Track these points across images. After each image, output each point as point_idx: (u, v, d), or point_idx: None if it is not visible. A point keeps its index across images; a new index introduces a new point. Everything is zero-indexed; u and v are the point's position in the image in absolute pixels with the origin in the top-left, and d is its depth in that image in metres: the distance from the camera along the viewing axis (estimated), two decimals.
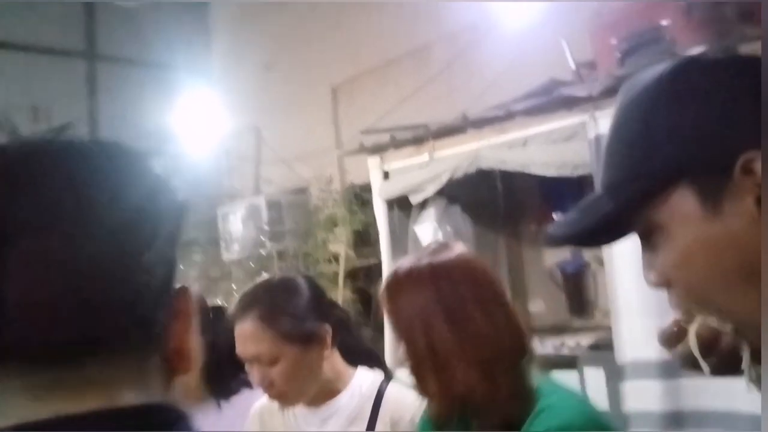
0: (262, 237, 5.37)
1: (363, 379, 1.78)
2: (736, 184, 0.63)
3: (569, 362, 3.96)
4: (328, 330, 1.72)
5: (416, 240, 4.46)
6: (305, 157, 5.83)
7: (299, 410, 1.78)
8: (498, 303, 1.38)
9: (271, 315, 1.65)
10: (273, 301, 1.69)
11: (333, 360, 1.74)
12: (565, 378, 4.00)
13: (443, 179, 4.12)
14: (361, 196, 4.91)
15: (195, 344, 0.64)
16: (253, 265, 5.28)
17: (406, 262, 1.45)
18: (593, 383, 3.73)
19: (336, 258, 4.94)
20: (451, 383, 1.30)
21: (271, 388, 1.67)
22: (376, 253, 4.62)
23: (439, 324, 1.32)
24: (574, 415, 1.28)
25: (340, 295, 4.84)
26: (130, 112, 7.70)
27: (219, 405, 1.95)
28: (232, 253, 5.91)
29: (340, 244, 4.93)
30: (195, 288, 1.86)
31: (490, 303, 1.36)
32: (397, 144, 4.35)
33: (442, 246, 1.46)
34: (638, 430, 3.12)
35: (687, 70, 0.71)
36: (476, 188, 4.49)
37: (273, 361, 1.64)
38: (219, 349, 1.90)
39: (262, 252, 5.34)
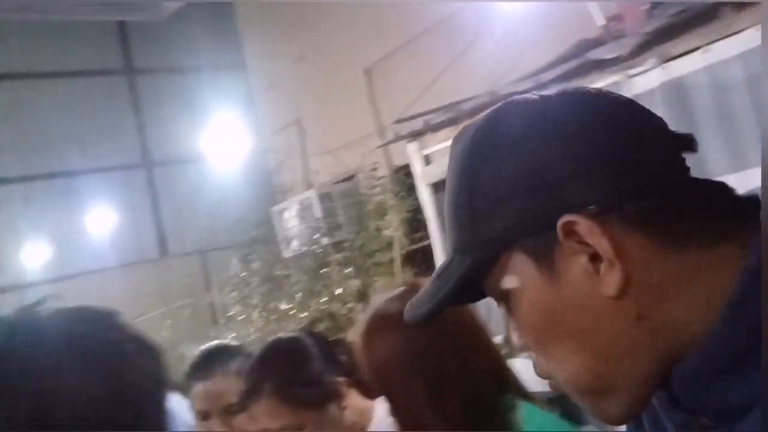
0: (316, 234, 5.39)
1: (383, 410, 1.76)
2: (563, 246, 0.59)
3: None
4: (341, 381, 1.69)
5: None
6: (349, 144, 5.79)
7: None
8: (479, 351, 1.31)
9: (286, 388, 1.63)
10: (284, 372, 1.65)
11: (352, 402, 1.72)
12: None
13: None
14: (407, 181, 4.84)
15: None
16: (310, 263, 5.31)
17: (378, 307, 1.37)
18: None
19: (390, 245, 4.91)
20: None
21: None
22: (429, 235, 4.57)
23: (414, 378, 1.27)
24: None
25: (398, 281, 4.81)
26: (173, 121, 7.84)
27: None
28: (291, 249, 5.96)
29: (392, 231, 4.89)
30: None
31: (471, 353, 1.29)
32: (433, 127, 4.24)
33: (413, 288, 1.38)
34: None
35: (502, 120, 0.64)
36: None
37: (298, 428, 1.63)
38: None
39: (319, 248, 5.36)
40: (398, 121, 4.37)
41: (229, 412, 1.84)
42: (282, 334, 1.85)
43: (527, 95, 0.66)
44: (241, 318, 5.46)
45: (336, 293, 4.92)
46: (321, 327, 4.64)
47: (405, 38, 5.28)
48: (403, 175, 4.91)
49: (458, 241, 0.66)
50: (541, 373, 0.67)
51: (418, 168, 4.42)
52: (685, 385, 0.59)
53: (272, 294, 5.45)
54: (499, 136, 0.63)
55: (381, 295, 1.43)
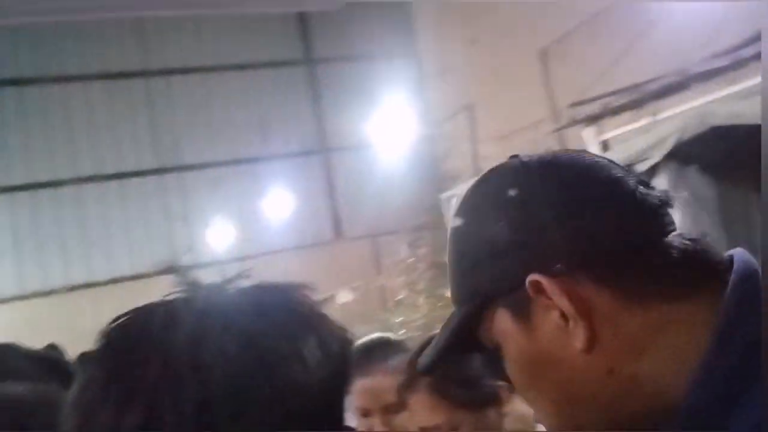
0: None
1: None
2: (536, 302, 0.64)
3: None
4: (503, 386, 1.61)
5: None
6: (521, 129, 5.61)
7: None
8: None
9: (443, 385, 1.58)
10: (443, 369, 1.62)
11: (516, 408, 1.64)
12: None
13: (670, 143, 3.69)
14: None
15: None
16: None
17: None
18: None
19: None
20: None
21: None
22: None
23: None
24: None
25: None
26: (349, 108, 8.05)
27: None
28: None
29: None
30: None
31: None
32: (613, 111, 3.98)
33: None
34: None
35: (484, 185, 0.72)
36: (715, 145, 3.96)
37: (453, 429, 1.58)
38: None
39: None
40: (574, 105, 4.14)
41: (389, 410, 1.82)
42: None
43: (510, 161, 0.72)
44: (408, 303, 5.50)
45: None
46: None
47: (582, 18, 5.00)
48: None
49: (454, 295, 0.73)
50: (535, 416, 0.75)
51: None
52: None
53: (438, 280, 5.43)
54: (480, 201, 0.71)
55: None
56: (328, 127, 8.89)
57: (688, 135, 3.58)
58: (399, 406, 1.83)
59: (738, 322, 0.58)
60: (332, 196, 8.96)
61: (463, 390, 1.57)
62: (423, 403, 1.59)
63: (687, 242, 0.64)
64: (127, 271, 8.15)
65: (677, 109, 3.58)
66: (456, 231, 0.72)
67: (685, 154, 3.92)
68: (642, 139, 3.86)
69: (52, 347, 1.31)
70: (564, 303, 0.62)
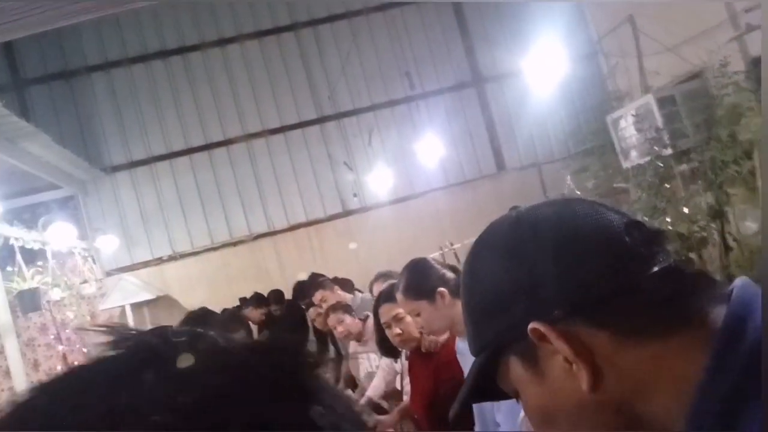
0: (656, 145, 4.91)
1: None
2: (541, 348, 0.66)
3: None
4: None
5: None
6: (693, 38, 5.11)
7: None
8: None
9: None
10: None
11: None
12: None
13: None
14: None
15: None
16: (650, 178, 4.87)
17: None
18: None
19: (748, 154, 4.25)
20: None
21: None
22: None
23: None
24: None
25: (761, 195, 4.17)
26: (499, 36, 7.73)
27: None
28: (630, 160, 5.57)
29: (750, 136, 4.22)
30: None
31: None
32: None
33: None
34: None
35: (485, 240, 0.75)
36: None
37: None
38: None
39: (659, 161, 4.88)
40: (750, 9, 3.68)
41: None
42: None
43: (508, 214, 0.75)
44: None
45: (684, 210, 4.45)
46: (669, 249, 4.26)
47: None
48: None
49: (470, 344, 0.76)
50: None
51: None
52: None
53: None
54: (483, 254, 0.74)
55: None
56: (481, 59, 8.66)
57: None
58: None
59: (734, 344, 0.60)
60: (491, 128, 8.78)
61: None
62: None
63: (678, 276, 0.65)
64: (303, 218, 8.58)
65: None
66: (465, 284, 0.76)
67: None
68: None
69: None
70: (563, 347, 0.65)
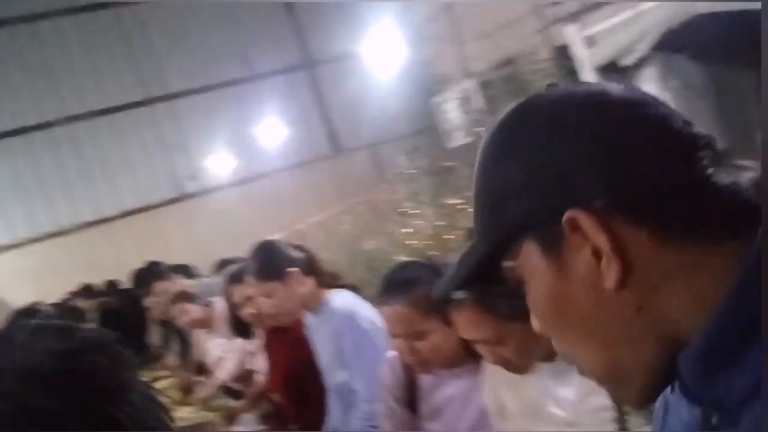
0: (478, 125, 5.33)
1: None
2: (569, 238, 0.62)
3: None
4: None
5: None
6: (505, 25, 5.56)
7: (541, 372, 1.79)
8: None
9: (487, 300, 1.66)
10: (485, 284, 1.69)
11: None
12: None
13: (656, 33, 3.70)
14: (570, 65, 4.60)
15: None
16: (474, 155, 5.27)
17: None
18: None
19: None
20: None
21: (506, 364, 1.71)
22: None
23: None
24: None
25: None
26: (329, 21, 7.90)
27: (479, 368, 2.05)
28: (454, 140, 5.98)
29: None
30: None
31: None
32: (594, 6, 3.96)
33: None
34: None
35: (522, 114, 0.67)
36: (702, 32, 3.97)
37: (500, 342, 1.66)
38: None
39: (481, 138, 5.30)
40: (554, 3, 4.12)
41: (411, 336, 1.97)
42: None
43: (555, 89, 0.68)
44: (413, 213, 5.62)
45: None
46: None
47: None
48: (566, 58, 4.66)
49: (479, 225, 0.70)
50: (561, 355, 0.71)
51: (580, 52, 4.19)
52: (689, 373, 0.62)
53: (440, 189, 5.52)
54: (517, 130, 0.66)
55: None
56: (312, 41, 8.77)
57: (674, 24, 3.59)
58: (421, 334, 1.97)
59: (760, 270, 0.58)
60: (324, 110, 8.94)
61: (508, 302, 1.58)
62: (469, 317, 1.64)
63: (728, 185, 0.62)
64: (135, 204, 8.28)
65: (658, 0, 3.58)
66: (488, 159, 0.68)
67: (672, 43, 3.94)
68: (626, 32, 3.87)
69: None
70: (601, 240, 0.60)
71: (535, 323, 0.71)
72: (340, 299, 2.68)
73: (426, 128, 6.20)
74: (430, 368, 2.00)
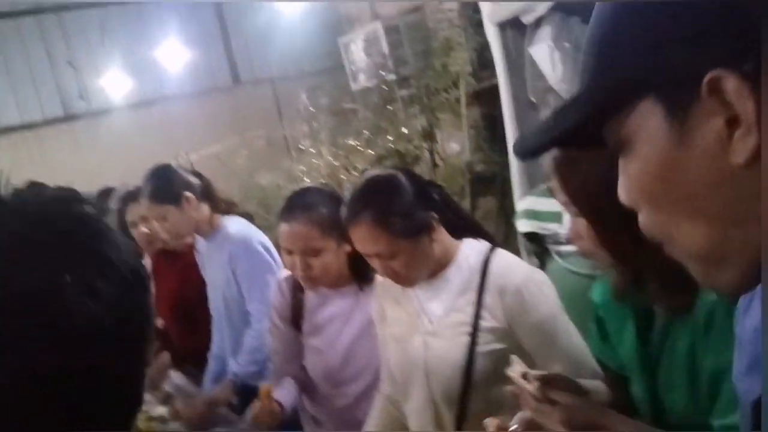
0: (381, 70, 5.38)
1: (469, 251, 1.91)
2: (702, 103, 0.56)
3: None
4: (434, 216, 1.85)
5: (533, 63, 4.30)
6: None
7: (419, 290, 1.94)
8: None
9: (383, 218, 1.78)
10: (381, 204, 1.79)
11: (441, 238, 1.87)
12: None
13: None
14: (476, 17, 4.72)
15: None
16: (376, 100, 5.36)
17: None
18: None
19: (456, 84, 4.90)
20: (638, 251, 1.21)
21: (394, 277, 1.87)
22: (497, 74, 4.53)
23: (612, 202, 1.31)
24: None
25: (465, 122, 4.87)
26: None
27: (361, 288, 2.21)
28: (358, 83, 6.01)
29: (458, 68, 4.86)
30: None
31: None
32: None
33: None
34: None
35: None
36: None
37: (392, 256, 1.81)
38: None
39: (384, 85, 5.38)
40: None
41: (307, 253, 2.11)
42: (380, 171, 1.98)
43: None
44: (311, 152, 5.66)
45: (403, 131, 5.01)
46: (388, 164, 4.79)
47: None
48: (472, 10, 4.78)
49: (592, 79, 0.64)
50: (650, 232, 0.66)
51: (486, 4, 4.31)
52: None
53: (339, 129, 5.58)
54: None
55: None
56: None
57: None
58: (316, 251, 2.12)
59: None
60: (227, 39, 8.69)
61: (402, 220, 1.78)
62: (365, 232, 1.79)
63: None
64: (17, 121, 7.83)
65: None
66: (611, 11, 0.61)
67: (569, 5, 4.12)
68: None
69: None
70: (747, 108, 0.54)
71: (626, 194, 0.66)
72: (235, 224, 2.74)
73: (330, 68, 6.18)
74: (317, 285, 2.16)
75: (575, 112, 0.65)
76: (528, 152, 0.70)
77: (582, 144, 0.69)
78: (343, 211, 1.88)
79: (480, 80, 4.94)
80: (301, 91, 6.35)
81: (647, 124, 0.60)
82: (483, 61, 4.86)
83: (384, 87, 5.35)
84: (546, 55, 4.22)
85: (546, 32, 4.22)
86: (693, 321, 1.30)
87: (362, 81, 5.89)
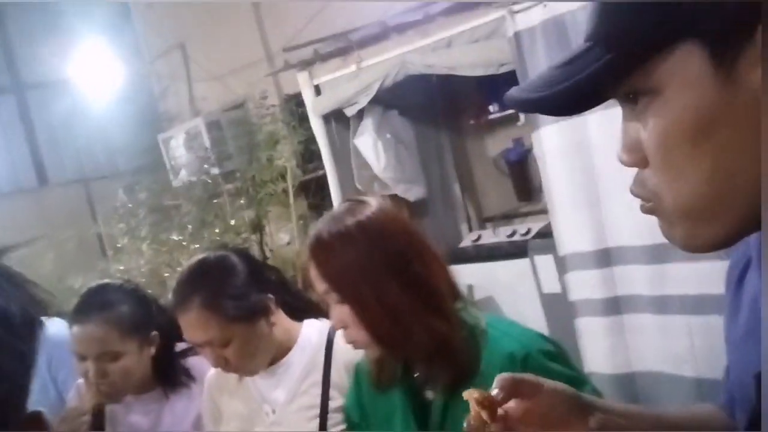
0: (205, 164, 5.29)
1: (311, 331, 1.82)
2: (756, 48, 0.52)
3: (521, 251, 4.09)
4: (270, 298, 1.74)
5: (358, 153, 4.44)
6: (237, 71, 5.66)
7: (257, 376, 1.81)
8: (429, 250, 1.38)
9: (214, 301, 1.65)
10: (212, 286, 1.66)
11: (280, 321, 1.77)
12: (518, 267, 4.15)
13: (374, 89, 4.04)
14: (299, 110, 4.82)
15: None
16: (200, 194, 5.23)
17: (327, 224, 1.37)
18: (544, 271, 3.87)
19: (283, 175, 4.91)
20: (405, 334, 1.30)
21: (228, 366, 1.72)
22: (323, 165, 4.60)
23: (385, 279, 1.30)
24: (531, 338, 1.35)
25: (293, 212, 4.85)
26: (46, 43, 7.32)
27: (166, 394, 2.01)
28: (179, 179, 5.84)
29: (285, 161, 4.88)
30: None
31: (424, 251, 1.36)
32: (323, 57, 4.23)
33: (359, 203, 1.40)
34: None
35: None
36: (411, 92, 4.43)
37: (225, 343, 1.67)
38: (165, 340, 1.97)
39: (208, 178, 5.27)
40: (287, 50, 4.31)
41: (103, 358, 1.89)
42: (210, 253, 1.84)
43: None
44: (130, 250, 5.35)
45: (231, 224, 4.89)
46: None
47: None
48: (294, 104, 4.88)
49: (617, 21, 0.58)
50: (641, 191, 0.63)
51: (309, 97, 4.41)
52: None
53: (161, 225, 5.34)
54: None
55: (328, 213, 1.45)
56: (23, 63, 8.00)
57: (389, 82, 3.97)
58: (115, 355, 1.89)
59: None
60: (32, 137, 8.14)
61: (235, 303, 1.65)
62: (196, 318, 1.64)
63: None
64: None
65: (379, 58, 3.94)
66: None
67: (387, 99, 4.34)
68: (350, 85, 4.18)
69: None
70: None
71: (645, 146, 0.60)
72: (54, 327, 2.46)
73: (149, 164, 5.96)
74: (117, 395, 1.94)
75: (602, 56, 0.58)
76: (532, 101, 0.63)
77: (588, 100, 0.62)
78: (168, 298, 1.74)
79: (306, 171, 5.00)
80: (118, 187, 6.03)
81: (686, 69, 0.56)
82: (309, 153, 4.93)
83: (208, 181, 5.23)
84: (370, 146, 4.37)
85: (368, 123, 4.40)
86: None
87: (184, 176, 5.73)
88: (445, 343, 1.31)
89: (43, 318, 2.37)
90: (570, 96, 0.60)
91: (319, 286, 1.37)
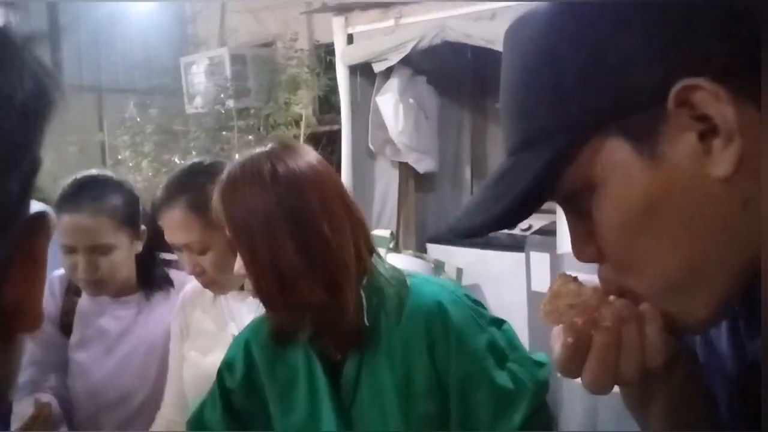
0: (222, 94, 5.16)
1: None
2: (671, 122, 0.52)
3: (518, 245, 3.99)
4: None
5: (377, 112, 4.31)
6: (272, 7, 5.51)
7: (230, 295, 1.73)
8: (346, 216, 1.25)
9: (200, 204, 1.56)
10: (202, 188, 1.55)
11: None
12: (512, 260, 4.04)
13: (407, 47, 3.92)
14: (326, 58, 4.68)
15: (41, 297, 0.48)
16: (211, 123, 5.12)
17: (243, 163, 1.26)
18: (537, 268, 3.77)
19: (297, 122, 4.79)
20: (295, 300, 1.21)
21: (202, 276, 1.63)
22: (339, 120, 4.49)
23: (283, 238, 1.19)
24: (452, 285, 1.33)
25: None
26: None
27: (147, 298, 1.92)
28: (194, 106, 5.72)
29: (302, 107, 4.76)
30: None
31: (338, 216, 1.23)
32: (362, 6, 4.09)
33: (286, 149, 1.27)
34: None
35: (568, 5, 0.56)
36: (445, 61, 4.30)
37: (204, 250, 1.60)
38: (150, 242, 1.88)
39: (222, 109, 5.16)
40: None
41: (94, 250, 1.78)
42: (204, 157, 1.78)
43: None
44: (130, 164, 5.25)
45: (235, 158, 4.78)
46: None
47: None
48: (324, 52, 4.75)
49: (533, 130, 0.57)
50: (610, 283, 0.60)
51: (339, 45, 4.28)
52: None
53: (167, 146, 5.23)
54: (579, 12, 0.55)
55: (248, 151, 1.33)
56: None
57: (424, 44, 3.83)
58: (107, 248, 1.80)
59: None
60: (54, 40, 8.00)
61: None
62: (179, 219, 1.58)
63: None
64: None
65: (419, 18, 3.80)
66: (539, 53, 0.57)
67: (418, 63, 4.21)
68: (385, 39, 4.05)
69: None
70: (728, 115, 0.50)
71: (588, 250, 0.60)
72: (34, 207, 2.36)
73: (166, 85, 5.84)
74: (102, 291, 1.84)
75: (528, 170, 0.57)
76: (476, 229, 0.61)
77: (531, 208, 0.60)
78: (156, 196, 1.64)
79: (321, 122, 4.88)
80: (129, 102, 5.92)
81: (612, 159, 0.55)
82: (327, 105, 4.82)
83: (222, 112, 5.11)
84: (391, 106, 4.25)
85: (394, 84, 4.27)
86: (389, 348, 1.26)
87: (199, 103, 5.61)
88: (337, 317, 1.23)
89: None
90: (510, 213, 0.59)
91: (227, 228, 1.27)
